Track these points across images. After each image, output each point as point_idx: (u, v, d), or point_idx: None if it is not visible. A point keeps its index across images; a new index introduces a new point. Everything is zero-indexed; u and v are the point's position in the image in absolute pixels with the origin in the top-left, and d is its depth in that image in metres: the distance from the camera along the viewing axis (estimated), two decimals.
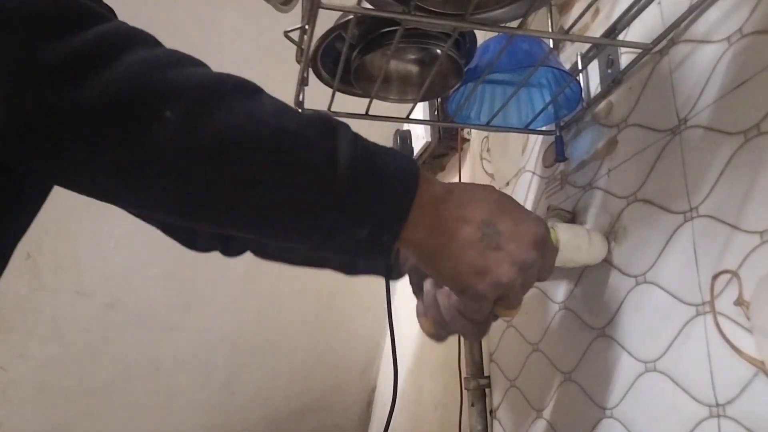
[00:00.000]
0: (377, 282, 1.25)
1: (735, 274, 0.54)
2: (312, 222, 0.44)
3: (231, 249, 0.80)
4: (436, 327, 0.59)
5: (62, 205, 0.69)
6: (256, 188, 0.42)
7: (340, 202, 0.43)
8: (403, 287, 1.53)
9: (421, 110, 1.11)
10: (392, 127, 1.28)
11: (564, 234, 0.68)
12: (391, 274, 0.67)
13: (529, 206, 0.89)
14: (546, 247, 0.50)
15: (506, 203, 0.49)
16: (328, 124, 0.44)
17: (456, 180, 1.17)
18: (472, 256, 0.47)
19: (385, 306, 1.27)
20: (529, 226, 0.49)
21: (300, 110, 0.46)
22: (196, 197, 0.41)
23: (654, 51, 0.66)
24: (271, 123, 0.42)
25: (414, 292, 0.66)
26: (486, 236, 0.47)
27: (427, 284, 0.61)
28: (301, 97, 0.72)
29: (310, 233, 0.44)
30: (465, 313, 0.53)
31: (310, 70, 0.69)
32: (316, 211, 0.43)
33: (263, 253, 0.79)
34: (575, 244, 0.68)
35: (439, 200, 0.47)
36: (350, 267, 0.76)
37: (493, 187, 0.51)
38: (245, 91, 0.44)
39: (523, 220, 0.49)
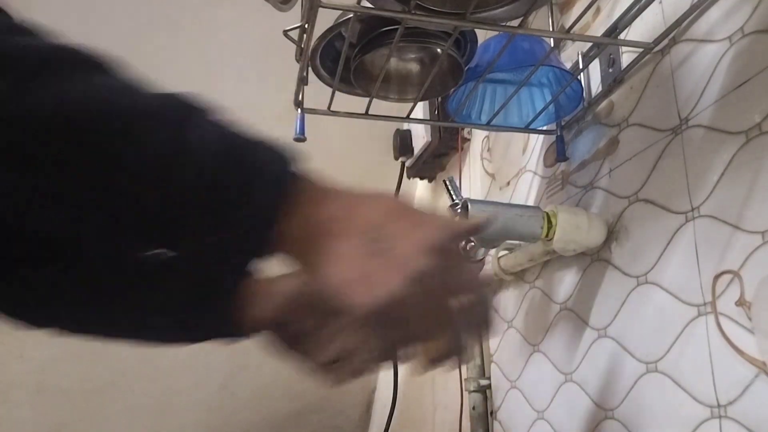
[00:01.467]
0: None
1: (736, 274, 0.53)
2: (164, 220, 0.38)
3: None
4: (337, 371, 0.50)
5: None
6: (91, 170, 0.36)
7: (194, 201, 0.37)
8: None
9: (421, 109, 1.11)
10: (392, 126, 1.28)
11: (563, 214, 0.67)
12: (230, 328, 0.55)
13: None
14: (450, 255, 0.40)
15: (402, 207, 0.41)
16: (183, 106, 0.39)
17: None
18: (348, 264, 0.38)
19: None
20: (426, 230, 0.40)
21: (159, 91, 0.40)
22: (30, 176, 0.36)
23: (655, 50, 0.66)
24: (112, 100, 0.37)
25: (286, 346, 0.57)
26: (370, 241, 0.39)
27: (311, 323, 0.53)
28: (300, 96, 0.71)
29: (162, 231, 0.39)
30: (364, 349, 0.45)
31: (310, 69, 0.69)
32: (167, 208, 0.37)
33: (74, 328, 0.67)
34: (574, 223, 0.68)
35: (318, 201, 0.40)
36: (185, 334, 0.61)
37: (391, 194, 0.43)
38: (92, 64, 0.39)
39: (421, 223, 0.40)
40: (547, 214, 0.67)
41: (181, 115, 0.39)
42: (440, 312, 0.41)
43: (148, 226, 0.38)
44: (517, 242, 0.84)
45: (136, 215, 0.38)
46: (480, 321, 0.44)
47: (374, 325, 0.40)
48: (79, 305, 0.62)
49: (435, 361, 0.43)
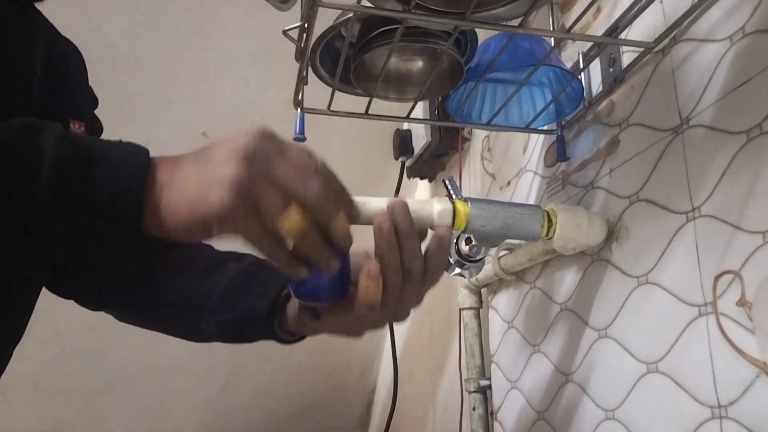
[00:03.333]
0: None
1: (737, 274, 0.53)
2: (28, 229, 0.41)
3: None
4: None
5: None
6: None
7: (50, 203, 0.40)
8: None
9: (421, 109, 1.11)
10: (392, 126, 1.28)
11: (563, 213, 0.67)
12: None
13: None
14: (268, 134, 0.46)
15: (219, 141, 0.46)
16: (31, 128, 0.41)
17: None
18: (191, 182, 0.43)
19: None
20: (243, 134, 0.45)
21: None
22: None
23: (656, 50, 0.66)
24: None
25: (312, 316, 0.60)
26: (197, 161, 0.44)
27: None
28: (300, 95, 0.71)
29: (34, 241, 0.42)
30: (262, 254, 0.46)
31: (310, 68, 0.69)
32: (28, 219, 0.40)
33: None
34: (575, 222, 0.68)
35: (161, 175, 0.44)
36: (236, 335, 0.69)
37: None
38: None
39: (236, 135, 0.46)
40: (547, 212, 0.67)
41: (35, 132, 0.41)
42: (284, 175, 0.44)
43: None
44: (517, 242, 0.84)
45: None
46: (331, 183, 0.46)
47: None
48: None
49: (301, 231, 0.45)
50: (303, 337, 0.67)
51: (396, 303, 0.54)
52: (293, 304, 0.63)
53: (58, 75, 0.61)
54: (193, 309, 0.66)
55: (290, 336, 0.66)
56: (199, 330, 0.67)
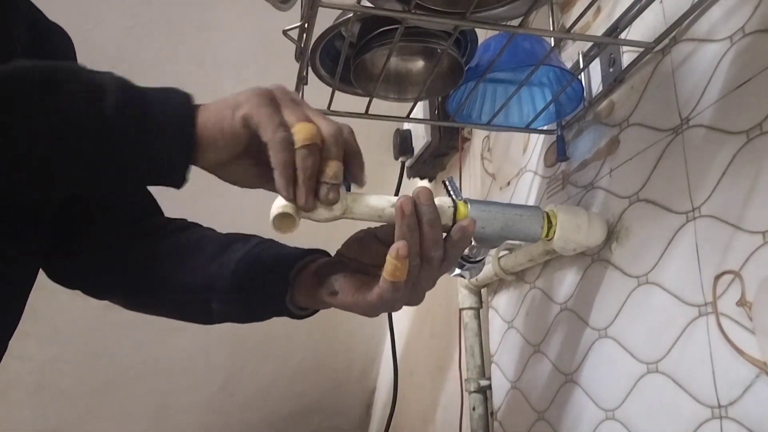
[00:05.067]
0: None
1: (737, 274, 0.53)
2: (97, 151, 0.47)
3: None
4: None
5: None
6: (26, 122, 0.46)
7: (117, 121, 0.47)
8: None
9: (421, 109, 1.11)
10: (392, 126, 1.28)
11: (563, 214, 0.67)
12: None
13: None
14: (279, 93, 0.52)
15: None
16: (82, 68, 0.49)
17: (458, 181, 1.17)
18: (224, 104, 0.52)
19: None
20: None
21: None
22: None
23: (656, 50, 0.66)
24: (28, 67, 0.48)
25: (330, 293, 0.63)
26: (228, 99, 0.52)
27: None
28: (300, 95, 0.71)
29: (101, 165, 0.48)
30: (271, 150, 0.51)
31: (310, 68, 0.69)
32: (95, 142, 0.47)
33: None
34: (575, 223, 0.68)
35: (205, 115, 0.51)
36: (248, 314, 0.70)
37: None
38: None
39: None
40: (547, 213, 0.67)
41: (94, 73, 0.49)
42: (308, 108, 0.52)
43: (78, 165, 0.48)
44: (517, 243, 0.84)
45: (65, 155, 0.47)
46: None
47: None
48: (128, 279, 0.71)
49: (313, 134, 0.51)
50: (315, 311, 0.67)
51: (413, 286, 0.56)
52: (305, 279, 0.63)
53: (40, 54, 0.63)
54: (204, 291, 0.66)
55: (301, 310, 0.66)
56: (210, 312, 0.67)
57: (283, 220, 0.53)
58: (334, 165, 0.51)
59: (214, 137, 0.50)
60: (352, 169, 0.53)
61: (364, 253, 0.61)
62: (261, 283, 0.64)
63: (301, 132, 0.49)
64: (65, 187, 0.53)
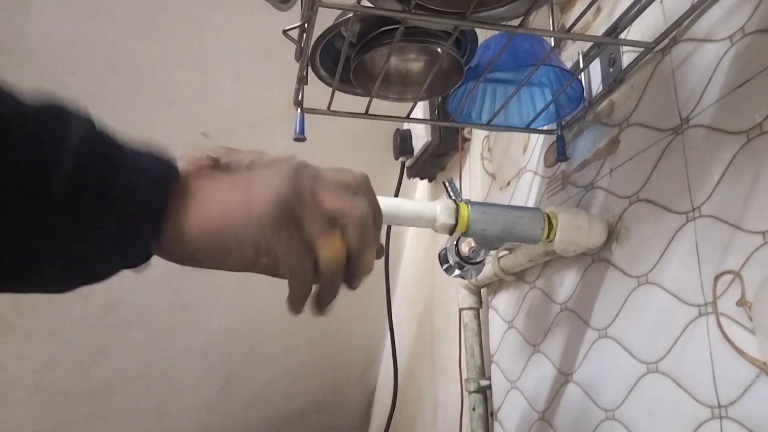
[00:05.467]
0: (377, 282, 1.25)
1: (737, 274, 0.53)
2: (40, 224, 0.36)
3: None
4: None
5: None
6: None
7: (67, 199, 0.36)
8: (403, 288, 1.53)
9: (421, 109, 1.11)
10: (392, 126, 1.28)
11: (563, 215, 0.67)
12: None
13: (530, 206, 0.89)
14: (304, 164, 0.44)
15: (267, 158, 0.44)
16: (57, 110, 0.38)
17: (458, 181, 1.17)
18: (230, 198, 0.41)
19: (385, 306, 1.27)
20: (280, 163, 0.43)
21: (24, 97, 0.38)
22: None
23: (656, 50, 0.66)
24: None
25: None
26: (233, 181, 0.42)
27: None
28: (300, 95, 0.71)
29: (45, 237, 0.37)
30: (291, 271, 0.43)
31: (310, 68, 0.69)
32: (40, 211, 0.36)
33: None
34: (575, 224, 0.68)
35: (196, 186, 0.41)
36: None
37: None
38: None
39: (277, 162, 0.43)
40: (548, 215, 0.67)
41: (61, 117, 0.38)
42: (330, 197, 0.42)
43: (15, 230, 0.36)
44: (517, 243, 0.84)
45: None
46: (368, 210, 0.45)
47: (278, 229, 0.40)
48: None
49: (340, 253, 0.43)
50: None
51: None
52: None
53: None
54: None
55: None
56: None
57: None
58: (369, 258, 0.44)
59: (211, 243, 0.40)
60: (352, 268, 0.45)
61: None
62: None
63: (326, 251, 0.42)
64: None
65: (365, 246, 0.44)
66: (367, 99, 0.72)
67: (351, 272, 0.45)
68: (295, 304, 0.44)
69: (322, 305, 0.46)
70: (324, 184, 0.43)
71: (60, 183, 0.36)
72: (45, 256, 0.38)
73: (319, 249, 0.42)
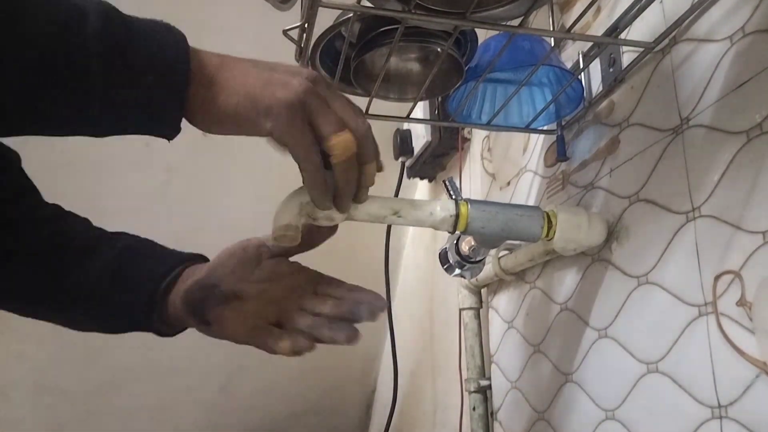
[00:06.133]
0: (377, 283, 1.25)
1: (737, 274, 0.53)
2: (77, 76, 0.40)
3: None
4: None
5: (62, 202, 0.69)
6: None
7: (99, 53, 0.40)
8: (403, 288, 1.53)
9: (421, 109, 1.11)
10: (392, 126, 1.28)
11: (563, 214, 0.67)
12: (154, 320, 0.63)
13: None
14: (321, 78, 0.49)
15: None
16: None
17: (457, 180, 1.17)
18: (255, 75, 0.46)
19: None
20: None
21: None
22: None
23: (656, 50, 0.66)
24: None
25: (200, 322, 0.61)
26: (256, 64, 0.48)
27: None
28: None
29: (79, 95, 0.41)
30: (303, 164, 0.48)
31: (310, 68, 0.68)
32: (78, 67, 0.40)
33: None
34: (575, 223, 0.68)
35: (208, 56, 0.47)
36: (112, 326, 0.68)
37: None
38: None
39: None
40: (547, 214, 0.67)
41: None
42: (341, 107, 0.48)
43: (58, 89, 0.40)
44: (517, 243, 0.84)
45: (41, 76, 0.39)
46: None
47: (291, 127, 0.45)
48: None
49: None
50: (185, 329, 0.65)
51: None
52: (175, 297, 0.61)
53: None
54: (62, 297, 0.62)
55: (171, 329, 0.65)
56: (73, 320, 0.64)
57: (287, 236, 0.54)
58: (371, 169, 0.51)
59: (226, 116, 0.45)
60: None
61: (248, 273, 0.59)
62: (126, 299, 0.61)
63: (338, 147, 0.47)
64: (30, 127, 0.46)
65: (368, 157, 0.49)
66: (367, 99, 0.72)
67: (358, 181, 0.51)
68: (315, 198, 0.49)
69: (341, 202, 0.51)
70: (337, 97, 0.48)
71: (89, 43, 0.40)
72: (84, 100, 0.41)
73: (331, 144, 0.46)
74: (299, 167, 0.48)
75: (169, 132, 0.45)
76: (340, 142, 0.47)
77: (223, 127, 0.46)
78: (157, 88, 0.42)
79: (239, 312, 0.58)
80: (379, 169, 0.52)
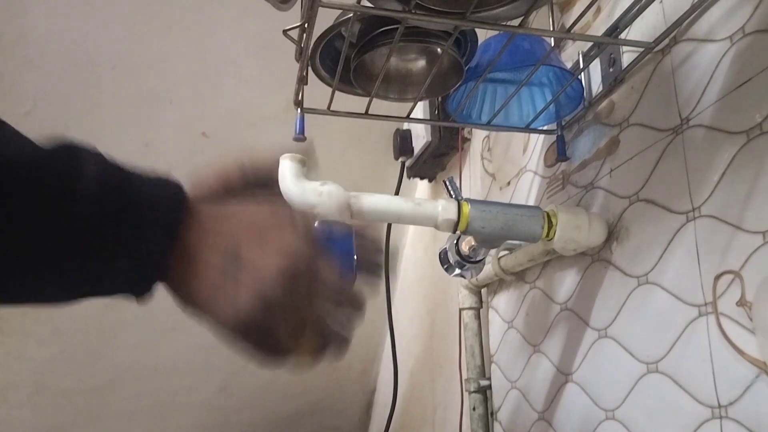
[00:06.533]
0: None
1: (737, 274, 0.53)
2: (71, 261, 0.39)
3: None
4: None
5: None
6: None
7: (87, 232, 0.39)
8: (403, 288, 1.53)
9: (421, 109, 1.11)
10: (392, 126, 1.28)
11: (563, 214, 0.67)
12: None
13: None
14: (300, 280, 0.43)
15: (267, 222, 0.44)
16: (68, 149, 0.40)
17: (458, 181, 1.17)
18: (210, 286, 0.42)
19: (385, 306, 1.27)
20: (274, 257, 0.42)
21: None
22: None
23: (656, 50, 0.66)
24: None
25: None
26: (226, 266, 0.42)
27: None
28: (300, 95, 0.71)
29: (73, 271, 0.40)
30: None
31: (310, 68, 0.69)
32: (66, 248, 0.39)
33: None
34: (575, 223, 0.68)
35: (200, 230, 0.43)
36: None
37: (270, 204, 0.46)
38: None
39: (272, 247, 0.43)
40: (548, 213, 0.67)
41: (72, 155, 0.40)
42: (305, 314, 0.44)
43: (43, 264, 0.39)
44: (517, 243, 0.84)
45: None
46: (349, 317, 0.47)
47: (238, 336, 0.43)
48: None
49: (314, 355, 0.46)
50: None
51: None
52: None
53: None
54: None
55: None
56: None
57: None
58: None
59: (196, 314, 0.44)
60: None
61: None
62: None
63: (304, 356, 0.45)
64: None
65: (348, 296, 0.46)
66: (367, 99, 0.72)
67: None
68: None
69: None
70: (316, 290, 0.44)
71: (80, 212, 0.38)
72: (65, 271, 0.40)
73: (300, 354, 0.44)
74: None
75: (141, 295, 0.44)
76: (305, 355, 0.45)
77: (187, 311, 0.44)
78: (146, 257, 0.41)
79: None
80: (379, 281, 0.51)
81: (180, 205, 0.42)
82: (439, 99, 1.05)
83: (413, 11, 0.56)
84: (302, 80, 0.68)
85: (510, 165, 0.98)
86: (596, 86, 0.76)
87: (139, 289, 0.43)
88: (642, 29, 0.68)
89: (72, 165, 0.39)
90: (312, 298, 0.44)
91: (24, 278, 0.40)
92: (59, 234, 0.38)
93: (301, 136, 0.71)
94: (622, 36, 0.71)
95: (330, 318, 0.45)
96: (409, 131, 1.25)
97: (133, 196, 0.40)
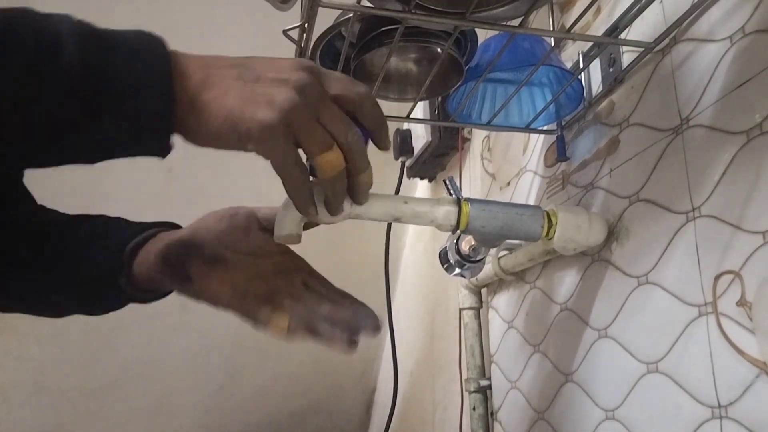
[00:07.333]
0: (377, 283, 1.25)
1: (737, 274, 0.53)
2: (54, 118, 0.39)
3: None
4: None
5: (61, 204, 0.69)
6: None
7: (74, 91, 0.38)
8: (403, 288, 1.53)
9: (421, 109, 1.11)
10: (392, 126, 1.28)
11: (563, 213, 0.67)
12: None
13: None
14: (315, 70, 0.45)
15: (256, 57, 0.47)
16: (36, 13, 0.40)
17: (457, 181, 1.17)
18: (236, 91, 0.42)
19: (385, 306, 1.27)
20: (285, 59, 0.45)
21: None
22: None
23: (656, 50, 0.66)
24: None
25: (180, 278, 0.57)
26: (241, 74, 0.44)
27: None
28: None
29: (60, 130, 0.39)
30: (285, 183, 0.46)
31: None
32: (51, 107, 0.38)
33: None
34: (575, 222, 0.68)
35: (191, 68, 0.44)
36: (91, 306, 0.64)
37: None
38: None
39: (277, 58, 0.46)
40: (548, 213, 0.67)
41: (45, 16, 0.40)
42: (322, 119, 0.44)
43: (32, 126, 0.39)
44: (517, 242, 0.84)
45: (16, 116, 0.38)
46: (372, 117, 0.47)
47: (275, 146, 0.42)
48: None
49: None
50: (164, 295, 0.62)
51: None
52: (147, 255, 0.57)
53: None
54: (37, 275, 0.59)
55: (142, 292, 0.60)
56: (48, 298, 0.61)
57: (290, 237, 0.55)
58: (364, 177, 0.48)
59: (207, 139, 0.43)
60: (374, 139, 0.49)
61: (235, 242, 0.57)
62: (90, 264, 0.58)
63: (324, 167, 0.45)
64: (18, 162, 0.45)
65: (357, 170, 0.47)
66: None
67: (352, 189, 0.49)
68: (298, 207, 0.48)
69: (331, 209, 0.51)
70: (327, 107, 0.44)
71: (65, 72, 0.38)
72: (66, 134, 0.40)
73: (316, 164, 0.45)
74: (281, 180, 0.46)
75: (161, 152, 0.44)
76: (326, 163, 0.45)
77: (206, 146, 0.44)
78: (142, 114, 0.41)
79: (226, 276, 0.56)
80: (381, 147, 0.50)
81: (166, 57, 0.42)
82: (439, 99, 1.05)
83: (413, 11, 0.56)
84: None
85: (510, 165, 0.98)
86: (596, 86, 0.76)
87: (158, 147, 0.43)
88: (642, 29, 0.68)
89: (54, 39, 0.39)
90: (335, 115, 0.44)
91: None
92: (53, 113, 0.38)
93: None
94: (622, 36, 0.71)
95: (355, 146, 0.46)
96: (409, 131, 1.25)
97: (114, 69, 0.40)
